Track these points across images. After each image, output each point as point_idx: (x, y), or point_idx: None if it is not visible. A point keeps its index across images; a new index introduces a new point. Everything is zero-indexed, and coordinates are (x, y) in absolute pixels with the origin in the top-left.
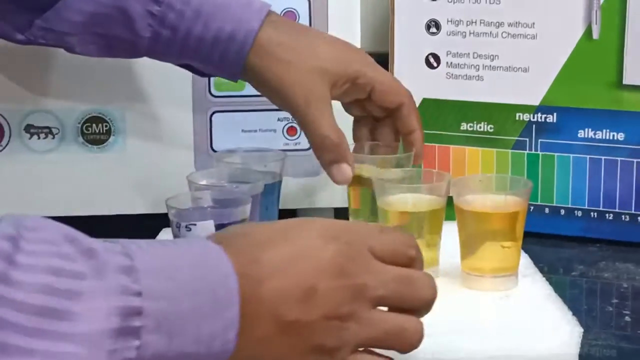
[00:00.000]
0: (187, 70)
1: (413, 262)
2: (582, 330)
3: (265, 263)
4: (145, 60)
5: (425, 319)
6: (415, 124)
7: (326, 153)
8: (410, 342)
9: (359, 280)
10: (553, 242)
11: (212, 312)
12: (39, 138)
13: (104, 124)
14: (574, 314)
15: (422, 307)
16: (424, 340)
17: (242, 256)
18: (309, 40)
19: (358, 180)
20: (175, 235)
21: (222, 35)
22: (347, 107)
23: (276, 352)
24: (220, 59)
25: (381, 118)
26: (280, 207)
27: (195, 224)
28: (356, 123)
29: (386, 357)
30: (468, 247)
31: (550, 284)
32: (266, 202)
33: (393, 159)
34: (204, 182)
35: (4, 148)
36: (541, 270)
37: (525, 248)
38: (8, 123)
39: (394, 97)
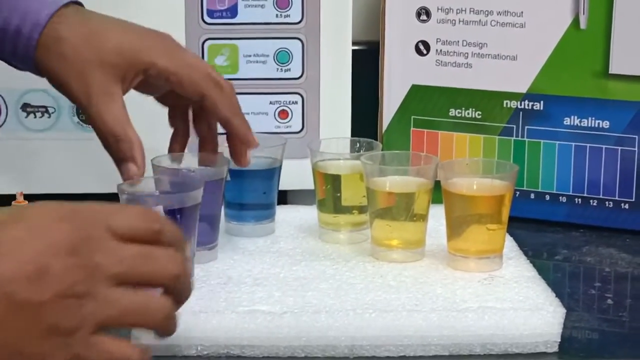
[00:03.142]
0: None
1: (159, 236)
2: (564, 311)
3: None
4: None
5: (411, 298)
6: (225, 113)
7: (112, 151)
8: (154, 319)
9: (93, 259)
10: (538, 227)
11: None
12: (35, 117)
13: None
14: (557, 296)
15: (168, 282)
16: (410, 317)
17: None
18: (97, 32)
19: (323, 176)
20: None
21: (9, 29)
22: (160, 98)
23: (9, 336)
24: (11, 53)
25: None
26: None
27: None
28: (169, 113)
29: (129, 342)
30: (454, 229)
31: (535, 267)
32: (265, 187)
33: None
34: (166, 166)
35: (0, 126)
36: (526, 254)
37: (510, 232)
38: (5, 102)
39: (191, 88)
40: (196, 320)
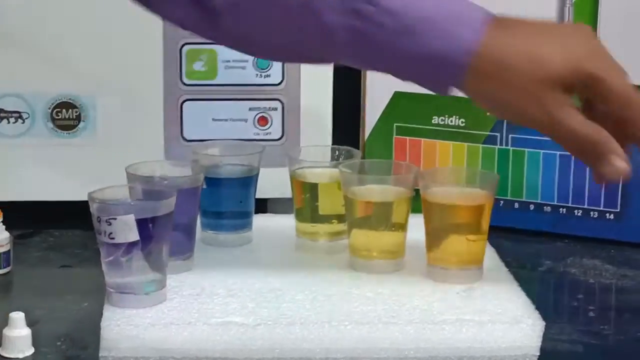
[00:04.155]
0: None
1: None
2: (544, 323)
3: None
4: (117, 46)
5: (388, 310)
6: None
7: (588, 154)
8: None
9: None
10: (522, 237)
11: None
12: (8, 122)
13: (74, 110)
14: (539, 308)
15: None
16: (386, 329)
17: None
18: (530, 46)
19: (300, 184)
20: (96, 229)
21: (431, 54)
22: None
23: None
24: (430, 78)
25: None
26: None
27: (115, 218)
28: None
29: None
30: (433, 239)
31: (518, 278)
32: (242, 195)
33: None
34: (141, 174)
35: None
36: (509, 265)
37: (493, 242)
38: None
39: (620, 109)
40: (167, 332)
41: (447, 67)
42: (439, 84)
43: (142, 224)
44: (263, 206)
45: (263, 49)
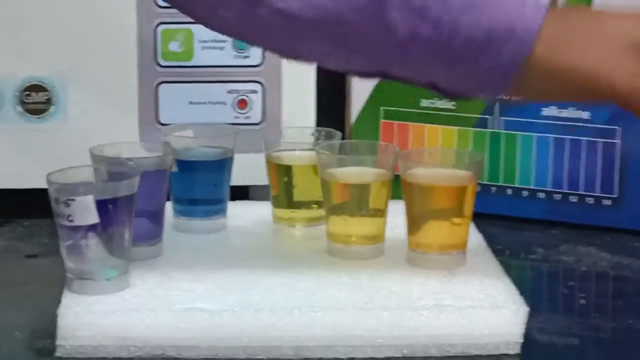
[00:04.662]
0: (139, 38)
1: None
2: (527, 309)
3: None
4: (87, 25)
5: (364, 296)
6: None
7: None
8: None
9: None
10: (514, 225)
11: None
12: None
13: (44, 93)
14: (527, 296)
15: None
16: (359, 316)
17: None
18: (600, 18)
19: (276, 167)
20: (55, 212)
21: (495, 33)
22: None
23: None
24: (491, 60)
25: None
26: (231, 183)
27: (74, 199)
28: None
29: None
30: (414, 223)
31: (509, 267)
32: (215, 179)
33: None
34: (106, 155)
35: None
36: (500, 253)
37: (484, 230)
38: None
39: None
40: (128, 319)
41: (514, 37)
42: (499, 70)
43: (102, 205)
44: (245, 194)
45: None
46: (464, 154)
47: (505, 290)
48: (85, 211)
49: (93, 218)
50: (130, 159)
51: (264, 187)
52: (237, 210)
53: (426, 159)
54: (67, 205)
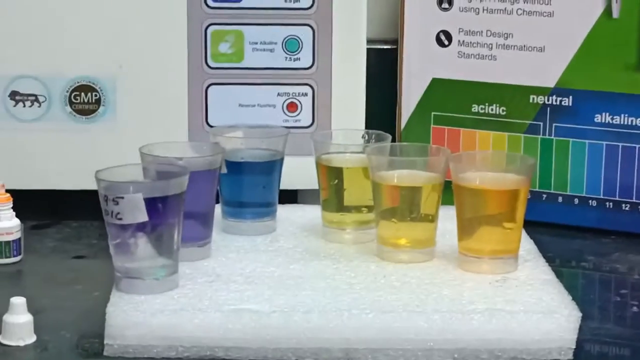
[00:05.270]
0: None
1: None
2: (580, 314)
3: None
4: (139, 26)
5: (414, 299)
6: None
7: None
8: None
9: None
10: (565, 233)
11: None
12: (24, 106)
13: (94, 93)
14: (579, 304)
15: None
16: (410, 319)
17: None
18: None
19: (327, 170)
20: (104, 210)
21: None
22: None
23: None
24: None
25: None
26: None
27: (123, 197)
28: None
29: None
30: (465, 227)
31: (560, 274)
32: (264, 181)
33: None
34: (155, 154)
35: None
36: (551, 262)
37: (535, 238)
38: None
39: None
40: (176, 319)
41: None
42: None
43: (151, 203)
44: (293, 198)
45: None
46: (516, 158)
47: (557, 295)
48: (134, 209)
49: (142, 216)
50: (179, 158)
51: (312, 192)
52: (285, 213)
53: (478, 162)
54: (116, 203)
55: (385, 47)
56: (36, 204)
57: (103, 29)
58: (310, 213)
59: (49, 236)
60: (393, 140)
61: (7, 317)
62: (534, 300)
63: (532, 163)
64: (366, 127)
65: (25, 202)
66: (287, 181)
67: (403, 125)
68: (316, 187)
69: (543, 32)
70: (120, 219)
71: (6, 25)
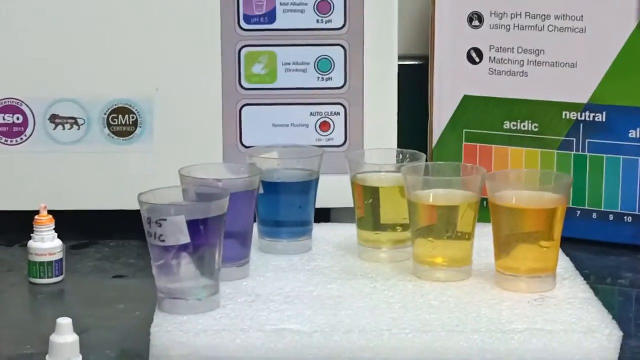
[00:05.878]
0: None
1: None
2: (621, 334)
3: None
4: (174, 49)
5: (453, 318)
6: None
7: None
8: None
9: None
10: (600, 250)
11: None
12: (64, 129)
13: (131, 115)
14: (618, 321)
15: None
16: (450, 339)
17: None
18: None
19: (362, 189)
20: (147, 232)
21: None
22: None
23: None
24: None
25: None
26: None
27: (165, 219)
28: None
29: None
30: (503, 245)
31: (596, 291)
32: (300, 201)
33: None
34: (194, 176)
35: (28, 138)
36: (587, 279)
37: (570, 255)
38: (32, 112)
39: None
40: (219, 339)
41: None
42: None
43: (193, 225)
44: (327, 216)
45: None
46: (551, 176)
47: (597, 314)
48: (177, 231)
49: (185, 238)
50: (219, 180)
51: (346, 210)
52: (321, 233)
53: (514, 181)
54: (159, 225)
55: (415, 62)
56: (73, 224)
57: (140, 53)
58: (345, 232)
59: (89, 256)
60: (425, 158)
61: (54, 338)
62: (574, 319)
63: (569, 181)
64: (398, 144)
65: (63, 222)
66: (320, 200)
67: (435, 142)
68: (349, 205)
69: (575, 48)
70: (164, 240)
71: (46, 50)
